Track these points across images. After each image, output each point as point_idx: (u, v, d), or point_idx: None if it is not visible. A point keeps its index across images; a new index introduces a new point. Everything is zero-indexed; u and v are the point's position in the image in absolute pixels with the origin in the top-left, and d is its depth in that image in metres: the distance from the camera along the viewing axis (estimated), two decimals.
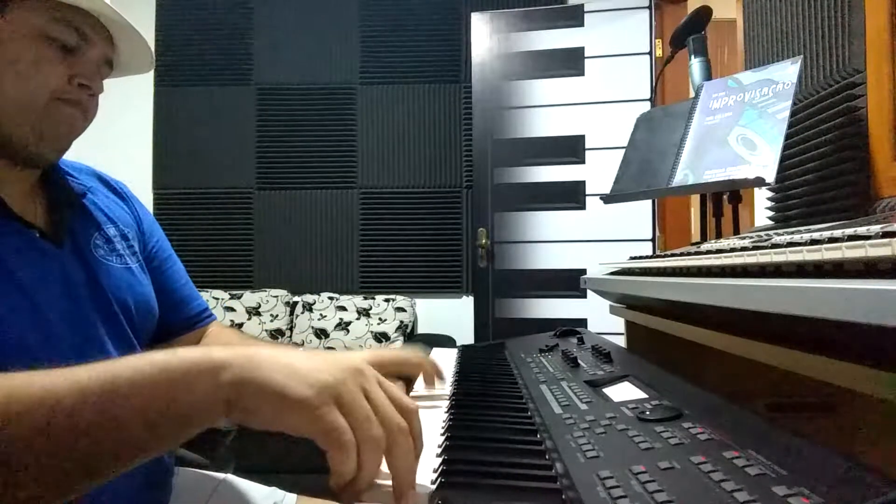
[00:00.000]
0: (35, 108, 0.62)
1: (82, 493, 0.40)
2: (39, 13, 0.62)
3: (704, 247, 0.75)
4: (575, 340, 0.89)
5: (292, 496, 0.83)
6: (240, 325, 2.82)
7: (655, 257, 0.81)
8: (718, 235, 1.23)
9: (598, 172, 2.55)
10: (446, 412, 0.61)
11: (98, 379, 0.40)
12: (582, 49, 2.60)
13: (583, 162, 2.59)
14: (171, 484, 0.76)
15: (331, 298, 2.94)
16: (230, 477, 0.83)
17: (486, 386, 0.72)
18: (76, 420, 0.38)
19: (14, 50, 0.61)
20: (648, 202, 2.47)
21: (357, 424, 0.41)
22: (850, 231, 0.38)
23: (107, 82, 0.72)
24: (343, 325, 2.81)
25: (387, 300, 2.89)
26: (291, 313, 2.96)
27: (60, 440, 0.38)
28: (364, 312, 2.85)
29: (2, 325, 0.57)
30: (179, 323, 0.85)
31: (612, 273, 0.95)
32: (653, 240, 2.50)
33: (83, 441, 0.38)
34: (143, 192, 3.07)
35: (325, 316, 2.85)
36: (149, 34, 3.18)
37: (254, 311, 2.88)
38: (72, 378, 0.39)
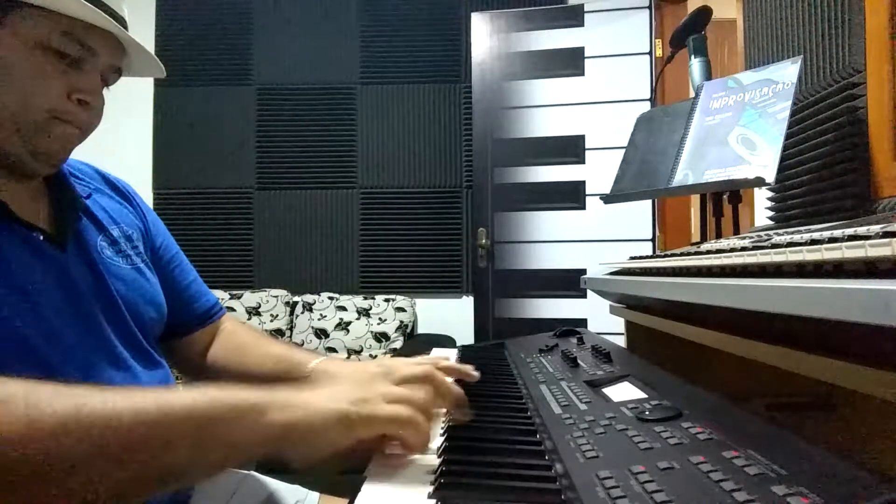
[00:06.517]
0: (29, 124, 0.59)
1: None
2: (42, 23, 0.57)
3: (704, 247, 0.75)
4: (575, 340, 0.89)
5: (315, 494, 0.83)
6: None
7: (655, 257, 0.81)
8: (718, 235, 1.23)
9: (598, 172, 2.55)
10: (446, 413, 0.61)
11: (155, 402, 0.44)
12: (582, 49, 2.60)
13: (583, 162, 2.59)
14: None
15: (331, 298, 2.93)
16: (252, 474, 0.83)
17: (485, 386, 0.72)
18: (131, 436, 0.42)
19: (11, 60, 0.57)
20: (648, 202, 2.47)
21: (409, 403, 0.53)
22: (850, 231, 0.38)
23: None
24: (343, 325, 2.81)
25: (387, 300, 2.89)
26: (291, 313, 2.96)
27: (115, 454, 0.41)
28: (364, 312, 2.85)
29: (5, 328, 0.57)
30: (191, 319, 0.85)
31: (612, 273, 0.95)
32: (653, 240, 2.50)
33: (136, 457, 0.42)
34: (143, 192, 3.06)
35: (325, 316, 2.85)
36: (149, 34, 3.18)
37: (254, 311, 2.88)
38: (130, 398, 0.43)
